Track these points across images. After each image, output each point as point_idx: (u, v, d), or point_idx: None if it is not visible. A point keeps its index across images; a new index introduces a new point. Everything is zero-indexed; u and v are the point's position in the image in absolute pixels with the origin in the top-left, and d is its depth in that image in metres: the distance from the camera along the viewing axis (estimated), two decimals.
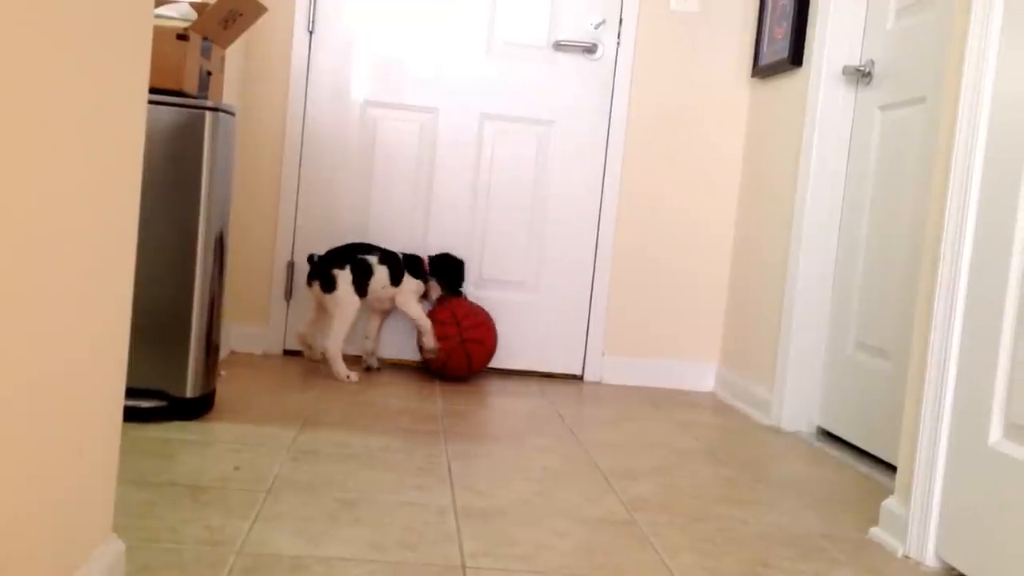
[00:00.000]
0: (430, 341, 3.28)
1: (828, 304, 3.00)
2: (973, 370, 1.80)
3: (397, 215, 3.55)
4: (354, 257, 3.25)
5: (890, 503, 1.99)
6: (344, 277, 3.21)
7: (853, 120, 2.96)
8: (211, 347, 2.44)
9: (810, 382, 3.02)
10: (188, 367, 2.37)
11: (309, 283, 3.25)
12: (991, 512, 1.71)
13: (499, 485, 2.12)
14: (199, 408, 2.43)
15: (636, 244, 3.62)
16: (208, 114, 2.34)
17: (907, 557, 1.90)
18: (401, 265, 3.31)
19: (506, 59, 3.55)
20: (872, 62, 2.86)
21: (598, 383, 3.59)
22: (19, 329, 0.98)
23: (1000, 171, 1.77)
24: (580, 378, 3.62)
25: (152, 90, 2.25)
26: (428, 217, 3.56)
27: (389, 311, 3.41)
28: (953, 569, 1.83)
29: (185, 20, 2.40)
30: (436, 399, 3.02)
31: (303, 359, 3.46)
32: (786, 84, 3.26)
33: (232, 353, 3.45)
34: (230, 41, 2.60)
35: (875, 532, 2.01)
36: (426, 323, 3.28)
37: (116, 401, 1.34)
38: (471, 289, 3.57)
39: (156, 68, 2.19)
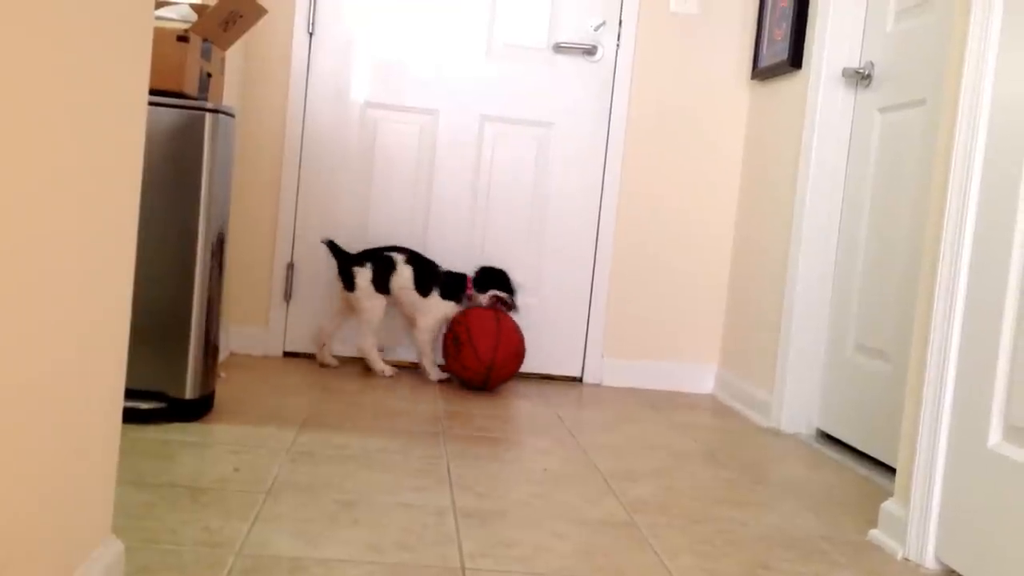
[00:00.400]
0: (431, 374, 3.29)
1: (828, 306, 3.00)
2: (972, 372, 1.80)
3: (397, 216, 3.55)
4: (377, 254, 3.26)
5: (889, 505, 1.99)
6: (363, 274, 3.23)
7: (853, 122, 2.96)
8: (210, 348, 2.44)
9: (809, 384, 3.02)
10: (187, 368, 2.37)
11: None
12: (990, 514, 1.71)
13: (498, 487, 2.12)
14: (198, 409, 2.43)
15: (636, 246, 3.62)
16: (208, 115, 2.34)
17: (907, 559, 1.90)
18: (433, 276, 3.27)
19: (506, 61, 3.55)
20: (872, 64, 2.86)
21: (598, 385, 3.59)
22: (18, 330, 0.98)
23: (999, 173, 1.77)
24: (579, 380, 3.62)
25: (152, 91, 2.25)
26: (428, 218, 3.56)
27: (412, 318, 3.35)
28: (953, 571, 1.83)
29: (185, 22, 2.41)
30: (435, 401, 3.02)
31: (302, 361, 3.46)
32: (786, 86, 3.26)
33: (231, 354, 3.45)
34: (230, 43, 2.60)
35: (874, 534, 2.01)
36: (429, 358, 3.30)
37: (115, 402, 1.34)
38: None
39: (156, 70, 2.19)
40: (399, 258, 3.27)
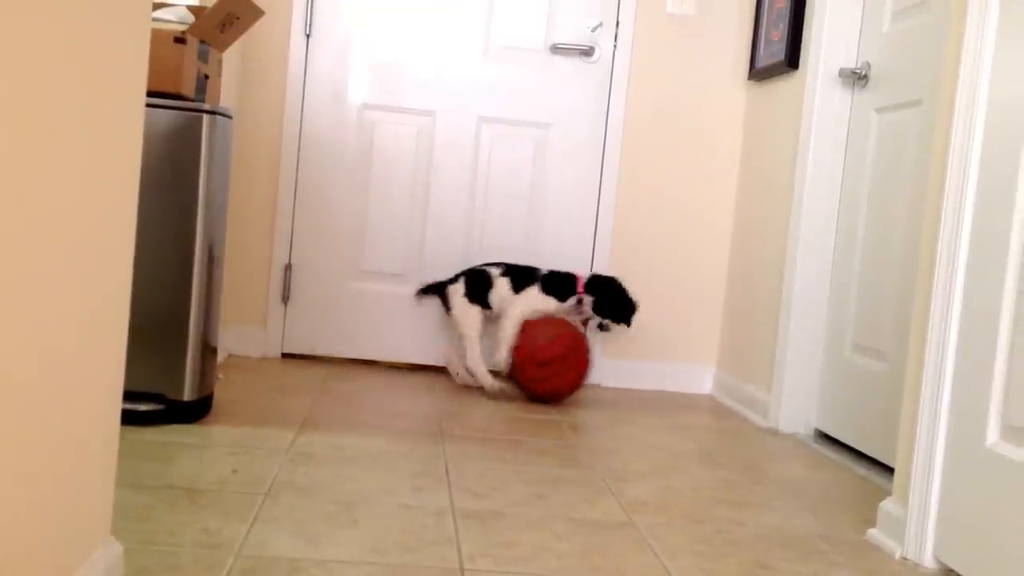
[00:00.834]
0: (501, 356, 3.13)
1: (825, 306, 3.01)
2: (970, 372, 1.80)
3: (394, 218, 3.55)
4: (470, 271, 3.25)
5: (888, 505, 2.00)
6: (456, 291, 3.22)
7: (849, 122, 2.96)
8: (208, 350, 2.44)
9: (807, 384, 3.02)
10: (185, 370, 2.37)
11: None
12: (989, 513, 1.71)
13: (497, 487, 2.12)
14: (197, 411, 2.43)
15: (633, 247, 3.62)
16: (205, 117, 2.34)
17: (905, 558, 1.90)
18: (531, 277, 3.19)
19: (503, 62, 3.55)
20: (868, 64, 2.86)
21: (596, 386, 3.59)
22: (16, 332, 0.98)
23: (996, 173, 1.78)
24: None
25: (150, 93, 2.25)
26: (425, 219, 3.56)
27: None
28: (951, 570, 1.83)
29: (182, 23, 2.41)
30: (434, 402, 3.02)
31: (300, 362, 3.47)
32: (783, 86, 3.27)
33: (230, 356, 3.45)
34: (227, 44, 2.60)
35: (873, 534, 2.01)
36: (506, 344, 3.13)
37: (114, 404, 1.34)
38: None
39: (154, 71, 2.19)
40: (494, 271, 3.22)
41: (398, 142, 3.54)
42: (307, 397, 2.89)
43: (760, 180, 3.41)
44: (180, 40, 2.32)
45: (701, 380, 3.66)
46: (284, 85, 3.47)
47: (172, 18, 2.41)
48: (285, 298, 3.52)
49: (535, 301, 3.17)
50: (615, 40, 3.56)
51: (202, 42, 2.44)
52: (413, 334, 3.57)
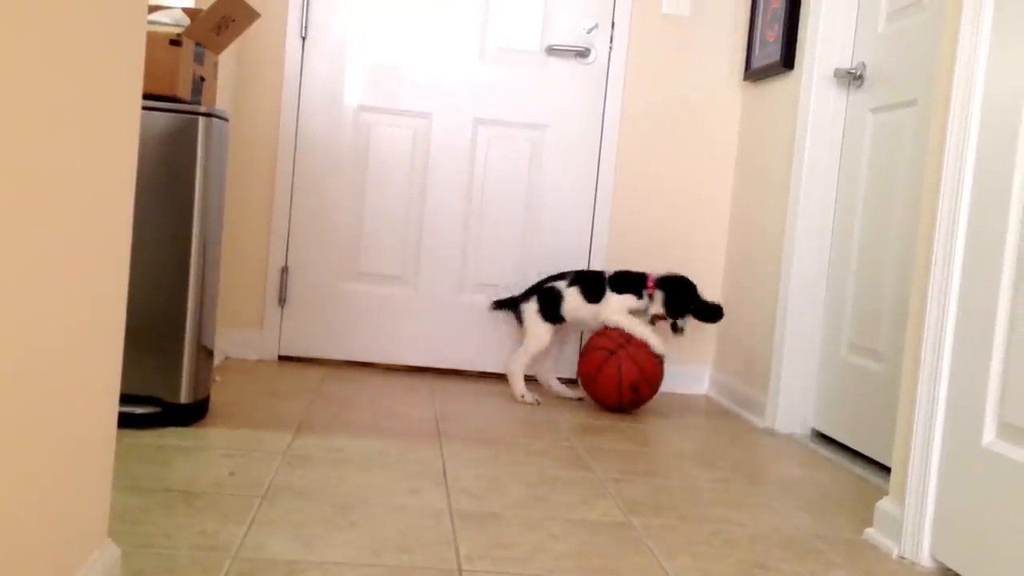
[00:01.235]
0: (657, 346, 3.10)
1: (821, 306, 3.01)
2: (966, 371, 1.80)
3: (391, 220, 3.55)
4: (540, 287, 3.27)
5: (885, 504, 2.00)
6: (529, 308, 3.24)
7: (845, 122, 2.97)
8: (205, 353, 2.44)
9: (804, 384, 3.02)
10: (182, 373, 2.37)
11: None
12: (986, 512, 1.72)
13: (494, 488, 2.12)
14: (193, 414, 2.43)
15: (629, 247, 3.62)
16: (201, 120, 2.34)
17: (902, 558, 1.90)
18: (600, 284, 3.19)
19: (499, 64, 3.55)
20: (863, 65, 2.87)
21: None
22: (13, 335, 0.98)
23: (991, 172, 1.78)
24: (575, 382, 3.62)
25: (145, 96, 2.24)
26: (422, 221, 3.56)
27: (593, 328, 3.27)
28: (948, 569, 1.83)
29: (178, 26, 2.40)
30: (431, 404, 3.02)
31: (297, 364, 3.46)
32: (778, 87, 3.27)
33: (226, 359, 3.45)
34: (223, 47, 2.60)
35: (870, 533, 2.01)
36: (637, 328, 3.11)
37: (110, 407, 1.34)
38: (464, 297, 3.57)
39: (149, 74, 2.19)
40: (561, 284, 3.23)
41: (394, 144, 3.54)
42: (304, 399, 2.89)
43: (756, 180, 3.42)
44: (176, 43, 2.32)
45: (697, 380, 3.66)
46: (280, 87, 3.47)
47: (167, 20, 2.41)
48: (282, 300, 3.52)
49: (618, 302, 3.17)
50: (611, 41, 3.56)
51: (198, 44, 2.44)
52: (410, 336, 3.57)
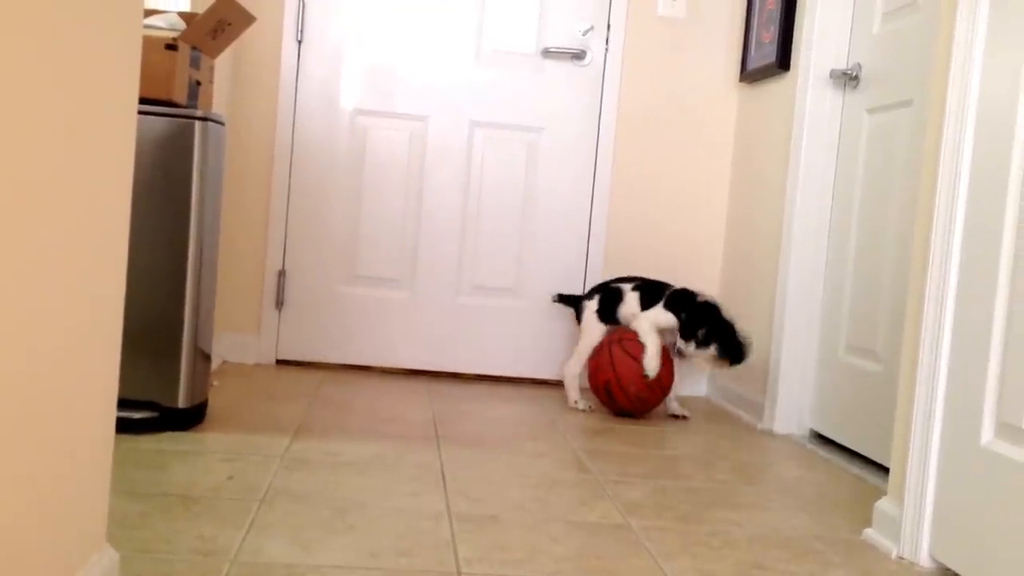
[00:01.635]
0: (649, 366, 2.98)
1: (819, 307, 3.01)
2: (964, 370, 1.81)
3: (388, 223, 3.55)
4: (605, 286, 3.26)
5: (883, 504, 2.00)
6: (589, 307, 3.23)
7: (841, 123, 2.97)
8: (202, 357, 2.43)
9: (802, 385, 3.02)
10: (180, 377, 2.37)
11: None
12: (984, 512, 1.72)
13: (493, 491, 2.12)
14: (191, 418, 2.42)
15: (626, 249, 3.62)
16: (198, 124, 2.34)
17: (901, 558, 1.90)
18: (658, 295, 3.12)
19: (495, 66, 3.56)
20: (859, 65, 2.87)
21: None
22: (10, 340, 0.98)
23: (987, 172, 1.78)
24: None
25: (142, 100, 2.25)
26: (419, 224, 3.56)
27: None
28: (947, 569, 1.83)
29: (174, 30, 2.40)
30: (428, 406, 3.01)
31: (294, 368, 3.46)
32: (774, 88, 3.27)
33: (224, 363, 3.45)
34: (219, 51, 2.60)
35: (869, 533, 2.01)
36: (648, 343, 3.01)
37: (108, 412, 1.34)
38: (461, 299, 3.57)
39: (145, 78, 2.19)
40: (626, 287, 3.21)
41: (391, 147, 3.54)
42: (302, 403, 2.88)
43: (752, 182, 3.42)
44: (172, 47, 2.31)
45: (696, 382, 3.66)
46: (276, 91, 3.47)
47: (163, 25, 2.41)
48: (279, 304, 3.52)
49: (653, 316, 3.09)
50: (606, 43, 3.56)
51: (194, 48, 2.44)
52: (408, 339, 3.57)
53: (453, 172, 3.57)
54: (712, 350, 3.03)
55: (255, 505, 1.88)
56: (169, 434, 2.35)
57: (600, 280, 3.48)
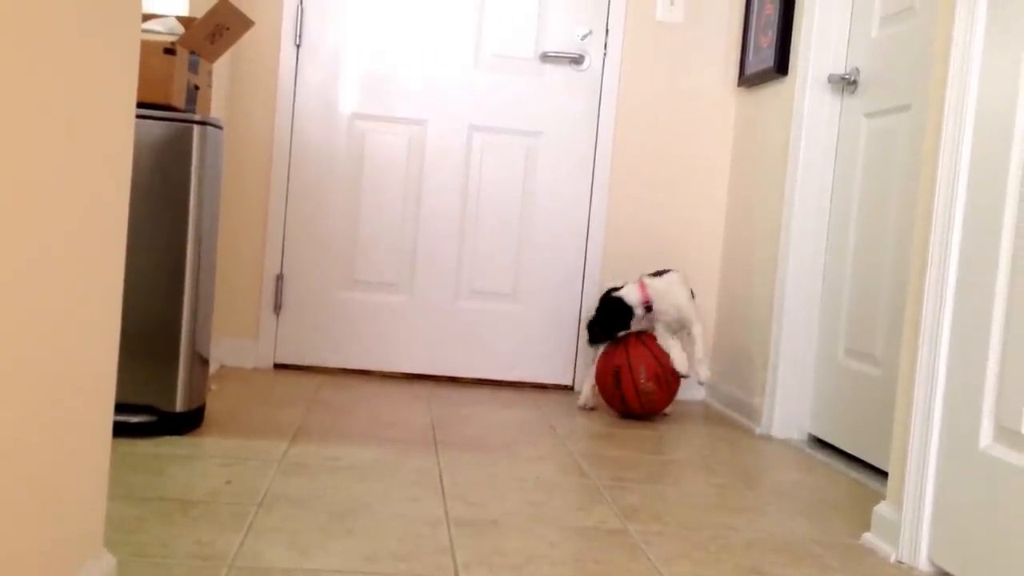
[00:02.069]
0: (678, 360, 3.10)
1: (817, 311, 3.01)
2: (963, 374, 1.81)
3: (386, 227, 3.55)
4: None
5: (882, 508, 2.00)
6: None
7: (839, 128, 2.97)
8: (200, 361, 2.43)
9: (800, 389, 3.02)
10: (177, 382, 2.36)
11: None
12: (983, 515, 1.72)
13: (491, 495, 2.12)
14: (189, 423, 2.42)
15: (624, 253, 3.62)
16: (196, 128, 2.34)
17: (900, 562, 1.90)
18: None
19: (494, 71, 3.56)
20: (857, 70, 2.88)
21: None
22: (6, 343, 0.98)
23: (986, 175, 1.78)
24: (571, 389, 3.62)
25: (140, 104, 2.25)
26: (417, 228, 3.56)
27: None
28: (946, 573, 1.83)
29: (172, 34, 2.40)
30: (427, 410, 3.01)
31: (292, 372, 3.46)
32: (772, 93, 3.28)
33: (222, 367, 3.44)
34: (217, 55, 2.60)
35: (867, 537, 2.01)
36: (671, 345, 3.13)
37: (105, 416, 1.34)
38: (460, 303, 3.56)
39: (144, 82, 2.19)
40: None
41: (389, 151, 3.54)
42: (300, 407, 2.88)
43: (751, 186, 3.42)
44: (170, 51, 2.32)
45: (694, 387, 3.66)
46: (274, 95, 3.47)
47: (162, 29, 2.41)
48: (277, 308, 3.52)
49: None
50: (605, 48, 3.56)
51: (192, 53, 2.44)
52: (406, 343, 3.56)
53: (452, 176, 3.57)
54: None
55: (253, 510, 1.88)
56: (167, 438, 2.34)
57: (600, 280, 3.47)
